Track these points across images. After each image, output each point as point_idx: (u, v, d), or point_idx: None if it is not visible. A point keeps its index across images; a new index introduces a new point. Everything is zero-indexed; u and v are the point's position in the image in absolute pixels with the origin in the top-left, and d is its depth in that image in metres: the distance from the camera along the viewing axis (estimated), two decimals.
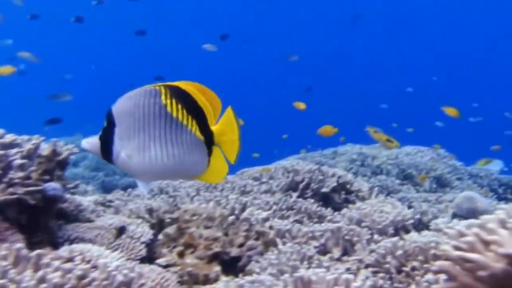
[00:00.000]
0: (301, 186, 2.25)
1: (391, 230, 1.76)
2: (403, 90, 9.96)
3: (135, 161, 0.80)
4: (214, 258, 1.60)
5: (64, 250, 1.08)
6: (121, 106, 0.79)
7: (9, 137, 1.29)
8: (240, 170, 3.48)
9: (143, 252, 1.65)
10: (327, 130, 3.13)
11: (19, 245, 0.81)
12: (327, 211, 1.92)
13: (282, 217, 1.82)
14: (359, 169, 3.69)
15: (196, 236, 1.68)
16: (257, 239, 1.73)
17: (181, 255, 1.66)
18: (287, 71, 16.07)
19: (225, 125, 0.81)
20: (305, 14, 19.27)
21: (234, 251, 1.65)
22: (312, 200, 2.07)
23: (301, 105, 2.66)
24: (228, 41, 5.64)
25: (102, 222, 1.72)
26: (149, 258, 1.68)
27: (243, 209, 1.84)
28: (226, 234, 1.71)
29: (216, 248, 1.62)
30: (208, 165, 0.82)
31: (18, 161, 1.25)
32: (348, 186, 2.40)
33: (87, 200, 2.08)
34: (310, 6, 19.05)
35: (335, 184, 2.30)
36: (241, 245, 1.68)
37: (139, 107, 0.79)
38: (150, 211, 1.91)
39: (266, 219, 1.76)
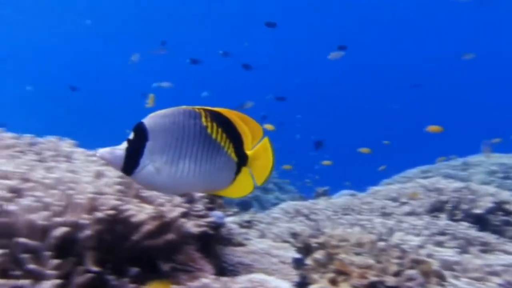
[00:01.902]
0: (448, 207, 2.05)
1: None
2: None
3: (163, 174, 0.82)
4: (371, 287, 1.56)
5: (245, 280, 1.18)
6: (157, 122, 0.82)
7: None
8: (371, 189, 3.35)
9: (296, 277, 1.69)
10: (435, 128, 2.84)
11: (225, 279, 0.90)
12: (492, 238, 1.71)
13: (437, 244, 1.67)
14: (502, 183, 3.21)
15: (347, 263, 1.66)
16: (411, 267, 1.63)
17: (333, 282, 1.66)
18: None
19: (260, 152, 0.88)
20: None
21: (390, 281, 1.58)
22: (466, 224, 1.87)
23: (436, 128, 2.47)
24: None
25: (255, 247, 1.83)
26: (300, 283, 1.72)
27: (390, 234, 1.76)
28: (378, 262, 1.65)
29: (372, 277, 1.57)
30: (232, 182, 0.88)
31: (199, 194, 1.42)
32: (506, 206, 2.10)
33: (229, 221, 2.25)
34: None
35: (491, 204, 2.04)
36: (396, 274, 1.60)
37: (178, 125, 0.82)
38: (295, 235, 1.96)
39: (420, 246, 1.65)
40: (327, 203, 2.38)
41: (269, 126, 4.34)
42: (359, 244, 1.68)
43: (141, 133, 0.80)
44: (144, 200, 1.16)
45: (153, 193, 1.19)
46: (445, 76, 18.37)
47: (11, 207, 0.87)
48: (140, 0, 18.20)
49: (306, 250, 1.94)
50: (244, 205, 5.25)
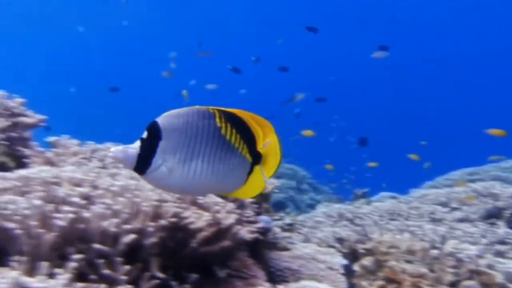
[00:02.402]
0: (506, 213, 1.95)
1: None
2: None
3: (175, 175, 0.81)
4: None
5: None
6: (171, 121, 0.81)
7: None
8: (414, 192, 3.24)
9: (344, 284, 1.67)
10: (497, 132, 2.67)
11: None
12: None
13: (497, 254, 1.59)
14: None
15: (398, 270, 1.62)
16: (469, 278, 1.56)
17: None
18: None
19: (271, 149, 0.88)
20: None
21: None
22: None
23: (499, 132, 2.34)
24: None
25: (301, 252, 1.83)
26: None
27: (443, 241, 1.69)
28: (431, 271, 1.60)
29: (426, 287, 1.52)
30: (245, 183, 0.87)
31: (249, 199, 1.44)
32: None
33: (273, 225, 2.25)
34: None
35: None
36: (452, 285, 1.54)
37: (192, 125, 0.81)
38: (340, 240, 1.94)
39: (478, 256, 1.57)
40: (371, 207, 2.32)
41: (308, 132, 4.28)
42: (410, 252, 1.64)
43: (155, 132, 0.79)
44: (201, 206, 1.19)
45: (209, 200, 1.21)
46: (486, 74, 17.51)
47: (86, 214, 0.92)
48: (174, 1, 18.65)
49: (353, 256, 1.91)
50: (279, 206, 5.24)
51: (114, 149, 0.78)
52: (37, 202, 0.90)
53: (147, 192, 1.05)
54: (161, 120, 0.80)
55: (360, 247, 1.86)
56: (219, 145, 0.82)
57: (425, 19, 18.16)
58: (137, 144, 0.79)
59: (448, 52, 18.02)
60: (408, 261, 1.64)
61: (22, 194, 0.95)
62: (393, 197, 4.12)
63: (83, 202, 0.95)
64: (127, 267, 0.90)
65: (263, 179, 0.88)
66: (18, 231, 0.85)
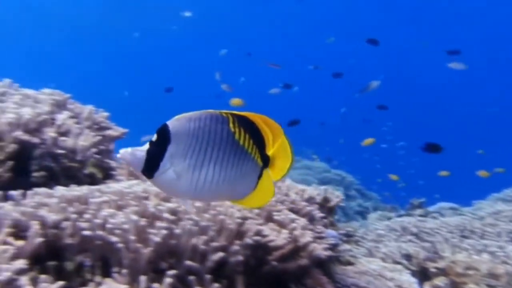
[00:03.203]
0: None
1: None
2: None
3: (184, 180, 0.78)
4: None
5: None
6: (181, 126, 0.78)
7: (311, 192, 1.50)
8: (479, 204, 3.04)
9: None
10: None
11: None
12: None
13: None
14: None
15: None
16: None
17: None
18: None
19: (280, 151, 0.85)
20: None
21: None
22: None
23: None
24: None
25: (366, 267, 1.78)
26: None
27: None
28: None
29: None
30: (254, 188, 0.84)
31: (319, 214, 1.42)
32: None
33: None
34: None
35: None
36: None
37: (204, 130, 0.79)
38: (408, 257, 1.86)
39: None
40: (439, 221, 2.20)
41: (368, 141, 4.14)
42: (493, 275, 1.53)
43: (164, 136, 0.77)
44: (277, 223, 1.19)
45: (285, 216, 1.22)
46: None
47: (177, 230, 0.95)
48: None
49: (423, 274, 1.82)
50: None
51: (123, 150, 0.77)
52: (134, 217, 0.95)
53: (230, 209, 1.07)
54: (172, 123, 0.78)
55: (431, 266, 1.77)
56: (232, 150, 0.80)
57: (489, 20, 16.98)
58: (146, 146, 0.78)
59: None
60: (490, 286, 1.53)
61: (119, 208, 1.01)
62: (453, 209, 3.89)
63: (173, 217, 0.99)
64: (217, 285, 0.93)
65: (273, 186, 0.85)
66: (120, 245, 0.91)
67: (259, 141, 0.82)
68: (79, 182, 1.25)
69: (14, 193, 0.99)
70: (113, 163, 1.33)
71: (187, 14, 7.57)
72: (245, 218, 1.07)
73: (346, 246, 2.12)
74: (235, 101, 4.15)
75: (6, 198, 0.98)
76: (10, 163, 1.19)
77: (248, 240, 1.00)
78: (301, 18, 19.37)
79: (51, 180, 1.20)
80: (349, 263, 1.89)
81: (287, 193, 1.49)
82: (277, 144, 0.85)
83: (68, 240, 0.92)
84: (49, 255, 0.91)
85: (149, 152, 0.77)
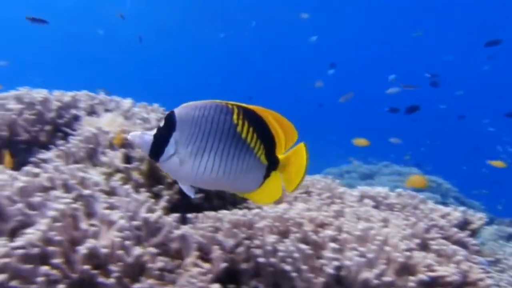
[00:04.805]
0: None
1: None
2: None
3: (186, 166, 0.80)
4: None
5: None
6: (187, 113, 0.80)
7: (457, 216, 1.38)
8: None
9: None
10: None
11: None
12: None
13: None
14: None
15: None
16: None
17: None
18: None
19: (293, 157, 0.83)
20: None
21: None
22: None
23: None
24: None
25: None
26: None
27: None
28: None
29: None
30: (260, 187, 0.83)
31: (473, 241, 1.29)
32: None
33: None
34: None
35: None
36: None
37: (207, 119, 0.79)
38: None
39: None
40: None
41: (498, 163, 3.64)
42: None
43: (170, 122, 0.80)
44: (438, 253, 1.11)
45: (446, 247, 1.12)
46: None
47: (347, 262, 0.94)
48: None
49: None
50: None
51: (134, 133, 0.81)
52: (303, 246, 0.96)
53: (391, 240, 1.02)
54: (178, 110, 0.81)
55: None
56: (232, 142, 0.80)
57: None
58: (154, 131, 0.81)
59: None
60: None
61: (281, 234, 1.04)
62: None
63: (338, 247, 0.98)
64: None
65: (280, 187, 0.84)
66: (294, 274, 0.92)
67: (267, 138, 0.81)
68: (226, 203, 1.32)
69: (189, 216, 1.08)
70: None
71: (304, 16, 7.74)
72: (410, 250, 1.01)
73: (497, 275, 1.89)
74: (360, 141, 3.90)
75: (185, 221, 1.07)
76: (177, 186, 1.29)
77: (422, 277, 0.94)
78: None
79: (204, 201, 1.28)
80: None
81: (432, 217, 1.39)
82: (292, 151, 0.83)
83: (244, 265, 0.96)
84: (226, 278, 0.97)
85: (155, 136, 0.80)
